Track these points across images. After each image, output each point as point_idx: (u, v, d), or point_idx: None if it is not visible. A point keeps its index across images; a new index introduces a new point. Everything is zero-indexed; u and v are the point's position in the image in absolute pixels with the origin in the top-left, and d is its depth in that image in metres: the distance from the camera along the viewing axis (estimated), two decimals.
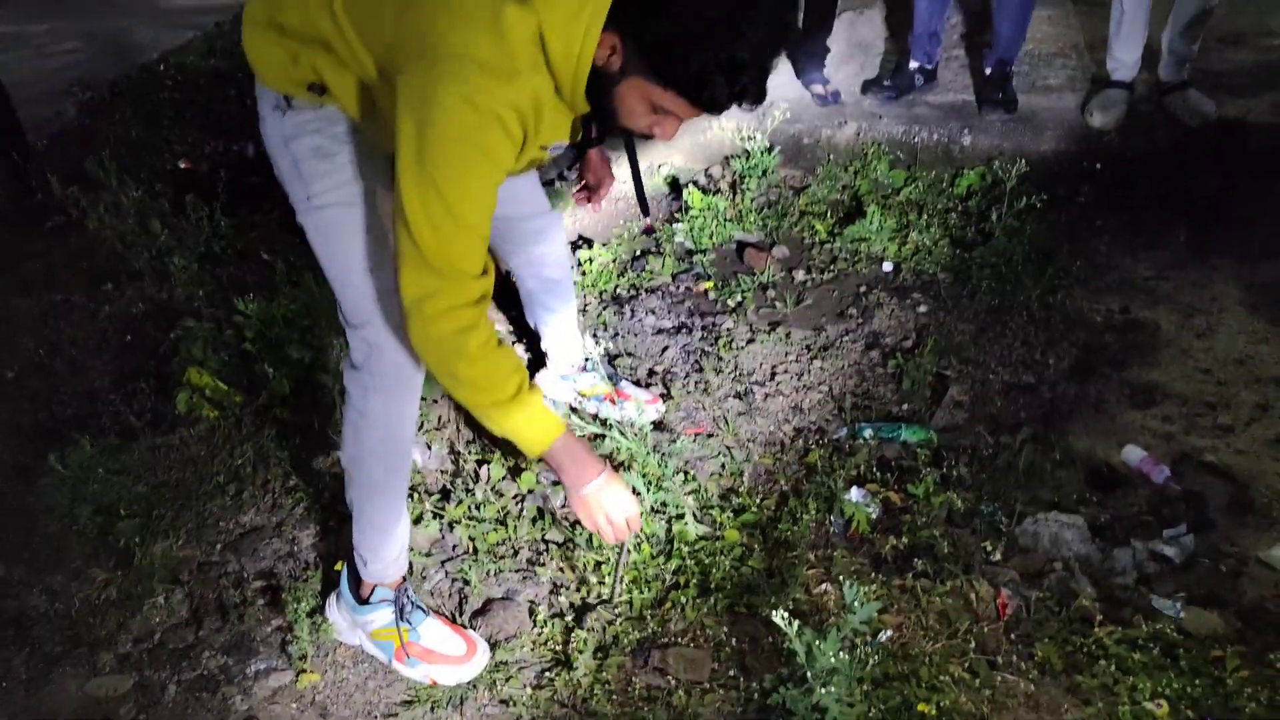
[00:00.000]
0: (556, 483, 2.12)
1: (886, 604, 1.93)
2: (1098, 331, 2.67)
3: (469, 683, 1.78)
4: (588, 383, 2.42)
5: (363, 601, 1.79)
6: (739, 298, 2.90)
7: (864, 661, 1.68)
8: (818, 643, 1.59)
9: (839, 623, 1.64)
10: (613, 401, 2.39)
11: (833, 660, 1.59)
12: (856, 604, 1.61)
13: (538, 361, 2.49)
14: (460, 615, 1.92)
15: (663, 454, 2.20)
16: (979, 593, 1.96)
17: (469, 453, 2.29)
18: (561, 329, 2.38)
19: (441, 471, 2.21)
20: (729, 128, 3.43)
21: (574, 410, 2.41)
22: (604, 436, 2.21)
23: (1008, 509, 2.14)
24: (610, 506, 1.65)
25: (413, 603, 1.81)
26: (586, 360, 2.43)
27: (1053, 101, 3.35)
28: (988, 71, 3.28)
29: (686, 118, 1.45)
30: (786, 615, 1.54)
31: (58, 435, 2.21)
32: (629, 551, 1.95)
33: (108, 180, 2.87)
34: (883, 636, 1.87)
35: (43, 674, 1.84)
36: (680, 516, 2.07)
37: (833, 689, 1.57)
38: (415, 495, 2.14)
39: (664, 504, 2.10)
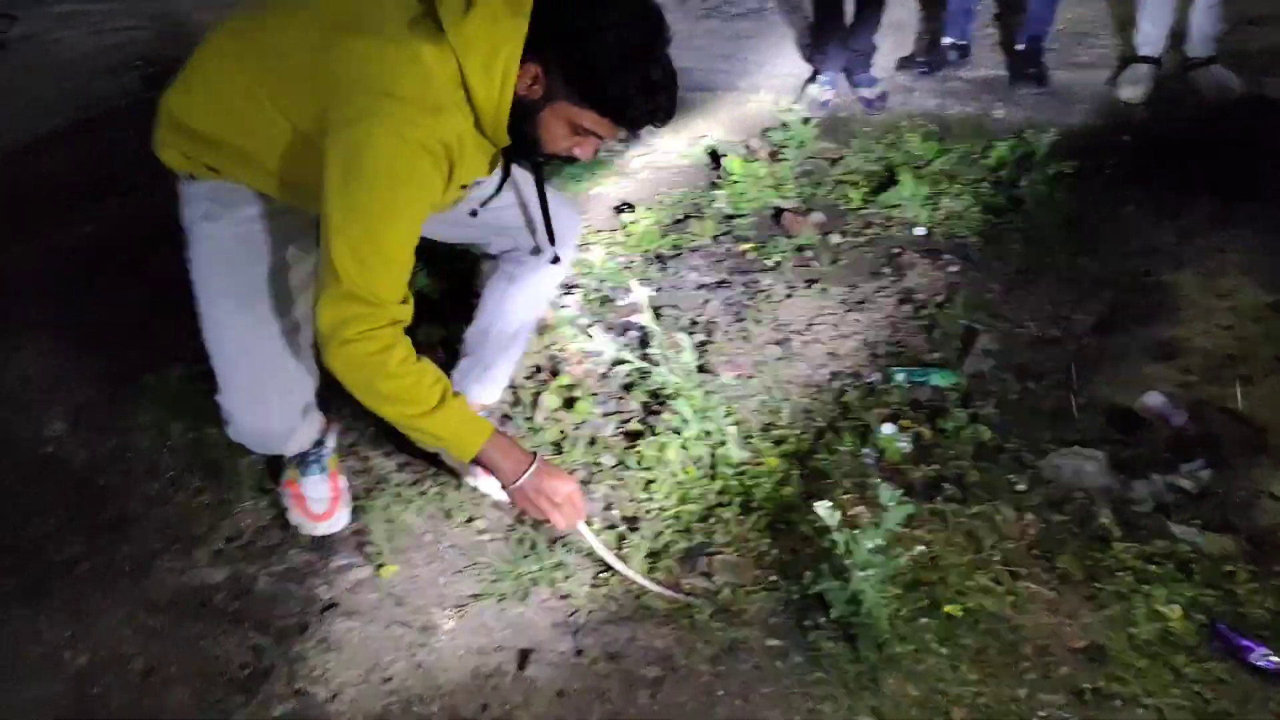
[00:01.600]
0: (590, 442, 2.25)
1: (917, 524, 2.10)
2: (1123, 291, 2.84)
3: (529, 578, 1.97)
4: None
5: None
6: (777, 258, 3.09)
7: (897, 559, 1.87)
8: (855, 534, 1.78)
9: (875, 522, 1.83)
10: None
11: (868, 554, 1.78)
12: (891, 503, 1.79)
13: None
14: (521, 524, 2.11)
15: (706, 389, 2.39)
16: (1004, 516, 2.14)
17: (526, 386, 2.49)
18: (488, 355, 2.24)
19: (503, 402, 2.41)
20: (767, 100, 3.61)
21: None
22: (648, 372, 2.40)
23: (1033, 447, 2.31)
24: (550, 489, 1.72)
25: None
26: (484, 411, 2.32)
27: (1083, 77, 3.52)
28: (1020, 48, 3.46)
29: (607, 137, 1.58)
30: (830, 505, 1.72)
31: (155, 358, 2.43)
32: (596, 534, 1.99)
33: None
34: (914, 550, 2.05)
35: (143, 567, 2.06)
36: (723, 444, 2.26)
37: (871, 573, 1.76)
38: None
39: (707, 432, 2.29)
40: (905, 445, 2.35)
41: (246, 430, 1.87)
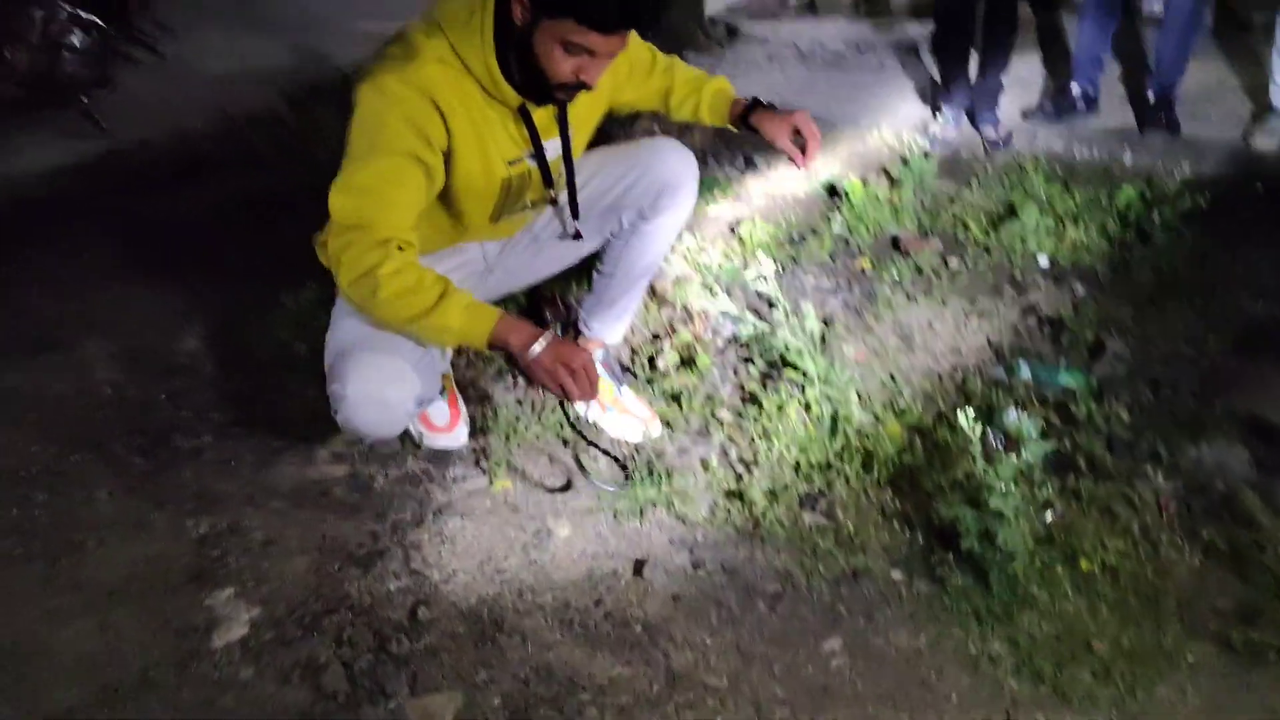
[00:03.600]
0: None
1: (1048, 497, 2.08)
2: (1258, 320, 2.82)
3: (647, 499, 2.01)
4: None
5: None
6: (895, 274, 3.15)
7: (1035, 491, 1.85)
8: (992, 465, 1.78)
9: (1014, 455, 1.83)
10: (602, 406, 2.28)
11: (1006, 484, 1.78)
12: (1028, 432, 1.80)
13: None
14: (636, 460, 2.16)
15: (829, 354, 2.43)
16: (1141, 495, 2.10)
17: (643, 349, 2.57)
18: (610, 295, 2.29)
19: (620, 350, 2.49)
20: (887, 136, 3.74)
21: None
22: (769, 336, 2.46)
23: (1169, 443, 2.29)
24: (565, 357, 1.70)
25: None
26: (604, 350, 2.37)
27: (1214, 130, 3.59)
28: (1150, 97, 3.54)
29: (599, 50, 1.64)
30: (970, 413, 1.74)
31: (291, 281, 2.57)
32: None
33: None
34: (1048, 516, 2.03)
35: (265, 460, 2.15)
36: (844, 405, 2.29)
37: (1009, 501, 1.75)
38: None
39: (828, 397, 2.32)
40: (1033, 431, 2.34)
41: (360, 413, 1.82)
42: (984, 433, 1.82)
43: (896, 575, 1.86)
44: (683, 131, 4.13)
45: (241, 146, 3.86)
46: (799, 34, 5.07)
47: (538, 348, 1.69)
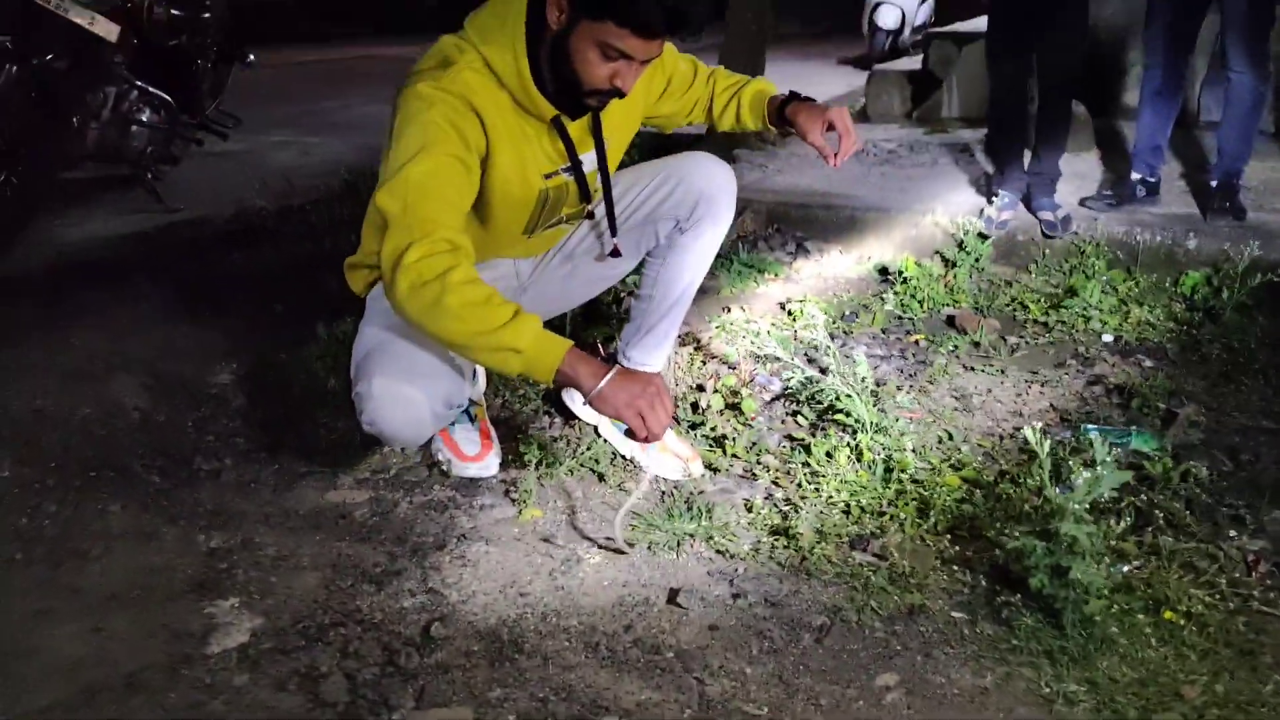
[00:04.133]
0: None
1: (1126, 550, 1.92)
2: None
3: (685, 532, 1.87)
4: None
5: None
6: (951, 347, 3.04)
7: (1109, 534, 1.70)
8: (1064, 492, 1.64)
9: (1086, 484, 1.68)
10: (642, 444, 2.11)
11: (1077, 515, 1.62)
12: (1106, 461, 1.66)
13: None
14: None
15: (881, 406, 2.31)
16: (1227, 553, 1.93)
17: (687, 395, 2.47)
18: (650, 320, 2.19)
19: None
20: (942, 220, 3.69)
21: (596, 433, 2.26)
22: (818, 383, 2.35)
23: (1253, 509, 2.12)
24: (637, 387, 1.59)
25: None
26: None
27: None
28: (1213, 184, 3.47)
29: (637, 55, 1.61)
30: (1037, 429, 1.60)
31: (328, 315, 2.54)
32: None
33: None
34: (1124, 568, 1.86)
35: (287, 483, 2.07)
36: (900, 451, 2.16)
37: (1082, 530, 1.60)
38: None
39: (881, 445, 2.19)
40: (1104, 491, 2.18)
41: (386, 409, 1.77)
42: (1053, 450, 1.67)
43: (958, 615, 1.70)
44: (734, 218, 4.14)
45: (299, 223, 3.93)
46: None
47: (608, 382, 1.58)
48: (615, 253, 1.99)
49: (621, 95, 1.70)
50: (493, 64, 1.68)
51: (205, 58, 4.48)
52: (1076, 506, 1.62)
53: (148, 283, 3.16)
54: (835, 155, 1.92)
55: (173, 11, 4.08)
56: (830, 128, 1.94)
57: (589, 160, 1.86)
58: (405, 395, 1.72)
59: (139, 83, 3.94)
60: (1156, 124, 3.58)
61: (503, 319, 1.54)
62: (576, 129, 1.81)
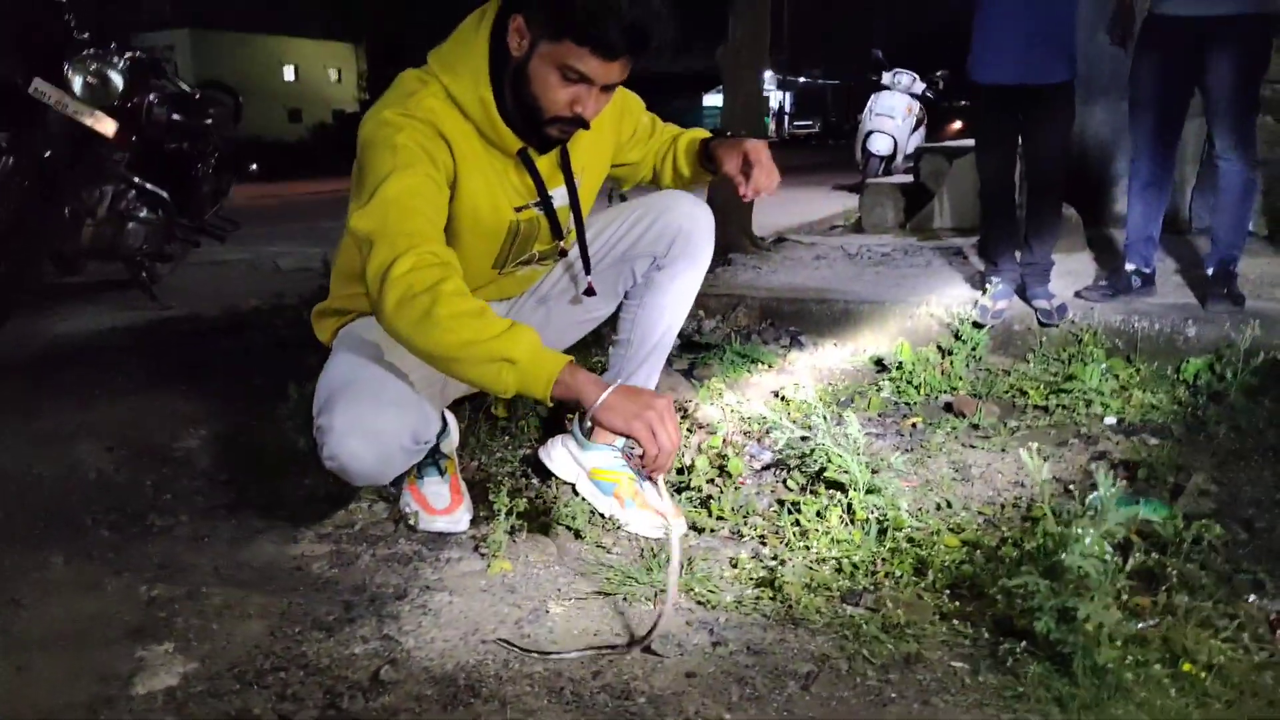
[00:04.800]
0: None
1: (1138, 606, 1.79)
2: None
3: (665, 584, 1.75)
4: (605, 461, 2.11)
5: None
6: (949, 428, 2.95)
7: (1116, 572, 1.57)
8: (1068, 529, 1.53)
9: (1094, 520, 1.58)
10: (620, 501, 2.06)
11: (1087, 550, 1.51)
12: (1110, 492, 1.56)
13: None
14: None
15: (874, 468, 2.21)
16: (1248, 612, 1.80)
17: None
18: (629, 366, 2.11)
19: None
20: (937, 311, 3.66)
21: (574, 491, 2.15)
22: (808, 443, 2.25)
23: (1274, 576, 1.99)
24: (645, 400, 1.49)
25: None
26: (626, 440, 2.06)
27: None
28: (1210, 271, 3.45)
29: (596, 78, 1.59)
30: (1035, 448, 1.51)
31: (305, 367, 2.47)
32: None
33: None
34: (1137, 626, 1.73)
35: (243, 538, 1.96)
36: (894, 509, 2.05)
37: (1089, 567, 1.48)
38: None
39: (875, 506, 2.08)
40: (1111, 551, 2.05)
41: (349, 442, 1.67)
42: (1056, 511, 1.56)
43: (958, 664, 1.55)
44: (727, 312, 4.11)
45: (288, 315, 3.90)
46: (847, 242, 5.15)
47: (610, 395, 1.47)
48: (590, 291, 1.93)
49: (584, 123, 1.67)
50: (456, 96, 1.67)
51: (206, 163, 4.56)
52: (1081, 532, 1.50)
53: (129, 364, 3.11)
54: (749, 186, 1.84)
55: (173, 116, 4.18)
56: (747, 160, 1.86)
57: (559, 195, 1.83)
58: (369, 427, 1.63)
59: (137, 180, 3.99)
60: (1148, 215, 3.59)
61: (497, 329, 1.47)
62: (545, 164, 1.78)
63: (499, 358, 1.45)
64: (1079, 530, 1.49)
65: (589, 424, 2.06)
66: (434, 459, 2.00)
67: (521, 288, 2.00)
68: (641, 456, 1.50)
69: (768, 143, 1.92)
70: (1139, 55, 3.50)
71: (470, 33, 1.69)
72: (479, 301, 1.51)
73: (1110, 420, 3.00)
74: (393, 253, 1.49)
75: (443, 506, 1.97)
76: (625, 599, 1.74)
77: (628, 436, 1.49)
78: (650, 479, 2.05)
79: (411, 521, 1.97)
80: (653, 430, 1.46)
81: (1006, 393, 3.30)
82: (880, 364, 3.64)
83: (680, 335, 3.81)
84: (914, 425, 3.04)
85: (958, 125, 9.33)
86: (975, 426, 2.98)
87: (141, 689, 1.43)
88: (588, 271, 1.91)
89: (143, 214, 4.08)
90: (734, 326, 3.98)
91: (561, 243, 1.90)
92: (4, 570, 1.78)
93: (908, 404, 3.18)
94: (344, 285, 1.91)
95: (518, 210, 1.78)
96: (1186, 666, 1.57)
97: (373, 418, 1.63)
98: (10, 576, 1.77)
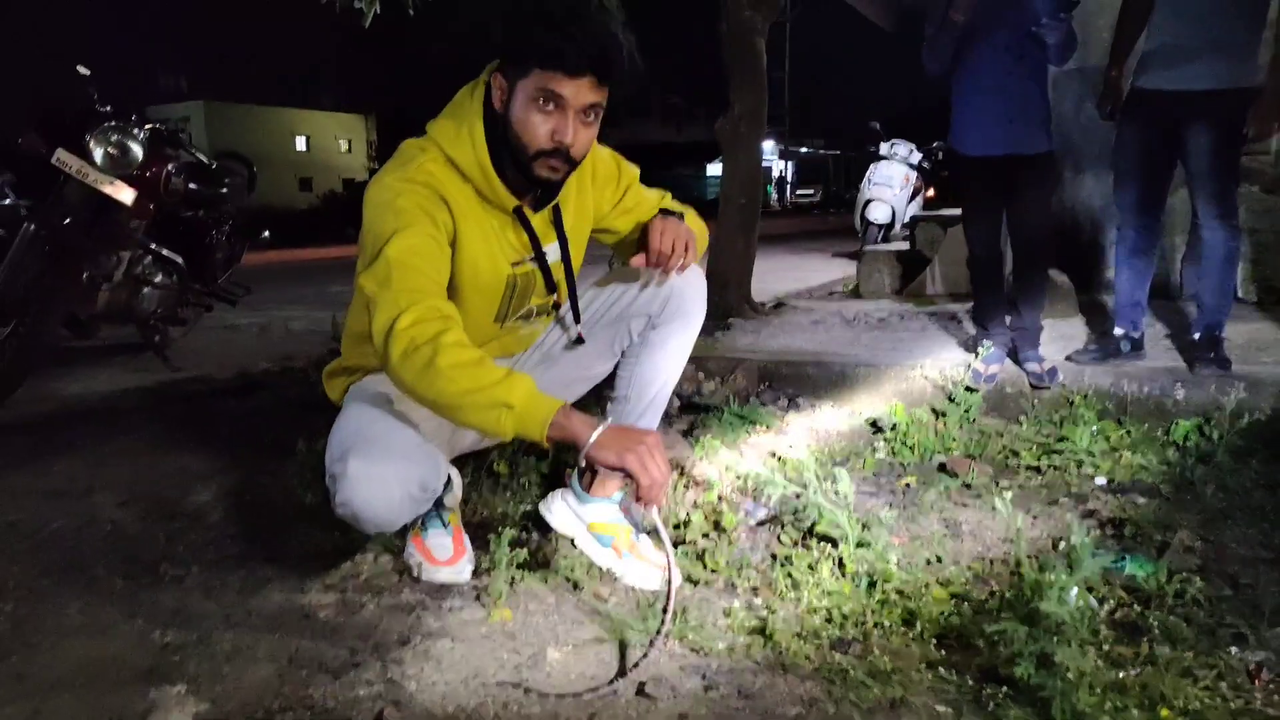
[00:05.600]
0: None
1: (1118, 656, 1.84)
2: None
3: (657, 630, 1.81)
4: (604, 514, 2.17)
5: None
6: (942, 488, 3.01)
7: (1094, 619, 1.63)
8: (1047, 575, 1.59)
9: (1071, 569, 1.64)
10: (618, 552, 2.12)
11: (1060, 595, 1.58)
12: (1083, 540, 1.62)
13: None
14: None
15: (863, 522, 2.28)
16: (1227, 662, 1.85)
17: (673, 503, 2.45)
18: (625, 423, 2.11)
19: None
20: (931, 374, 3.74)
21: (573, 544, 2.20)
22: (800, 500, 2.32)
23: (1256, 629, 2.05)
24: (635, 436, 1.58)
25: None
26: (621, 491, 2.19)
27: (1268, 369, 3.53)
28: (1196, 337, 3.54)
29: (568, 95, 1.69)
30: (1008, 497, 1.58)
31: (314, 426, 2.55)
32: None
33: None
34: (1118, 674, 1.78)
35: (252, 587, 2.02)
36: (885, 563, 2.11)
37: (1066, 613, 1.54)
38: None
39: (865, 559, 2.14)
40: (1097, 606, 2.11)
41: (360, 489, 1.73)
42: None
43: (942, 709, 1.61)
44: (727, 375, 4.20)
45: (297, 376, 4.00)
46: (845, 308, 5.27)
47: (602, 431, 1.57)
48: (580, 340, 2.02)
49: (568, 157, 1.76)
50: (454, 158, 1.80)
51: (220, 230, 4.70)
52: (1055, 579, 1.57)
53: (141, 423, 3.19)
54: (651, 258, 1.95)
55: (190, 185, 4.32)
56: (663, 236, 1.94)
57: (553, 251, 1.94)
58: (379, 475, 1.72)
59: (153, 246, 4.11)
60: (1135, 282, 3.69)
61: (496, 377, 1.57)
62: (539, 221, 1.90)
63: (498, 403, 1.55)
64: (1052, 577, 1.55)
65: (586, 474, 2.14)
66: (438, 511, 2.08)
67: (523, 346, 2.10)
68: (637, 491, 1.60)
69: (686, 217, 2.04)
70: (1122, 127, 3.63)
71: (465, 100, 1.84)
72: (478, 351, 1.62)
73: (1100, 480, 3.06)
74: (396, 309, 1.60)
75: (446, 558, 2.04)
76: (620, 644, 1.80)
77: (621, 470, 1.59)
78: (648, 533, 2.13)
79: (415, 572, 2.04)
80: (644, 462, 1.55)
81: (999, 453, 3.37)
82: (876, 425, 3.71)
83: (680, 397, 3.91)
84: (907, 485, 3.10)
85: (930, 193, 9.53)
86: (968, 486, 3.05)
87: None
88: (577, 321, 2.02)
89: (158, 279, 4.20)
90: (733, 389, 4.07)
91: (555, 296, 2.00)
92: (20, 617, 1.85)
93: (902, 464, 3.25)
94: (355, 345, 2.00)
95: (514, 265, 1.89)
96: (1164, 713, 1.62)
97: (383, 467, 1.72)
98: (26, 622, 1.83)
